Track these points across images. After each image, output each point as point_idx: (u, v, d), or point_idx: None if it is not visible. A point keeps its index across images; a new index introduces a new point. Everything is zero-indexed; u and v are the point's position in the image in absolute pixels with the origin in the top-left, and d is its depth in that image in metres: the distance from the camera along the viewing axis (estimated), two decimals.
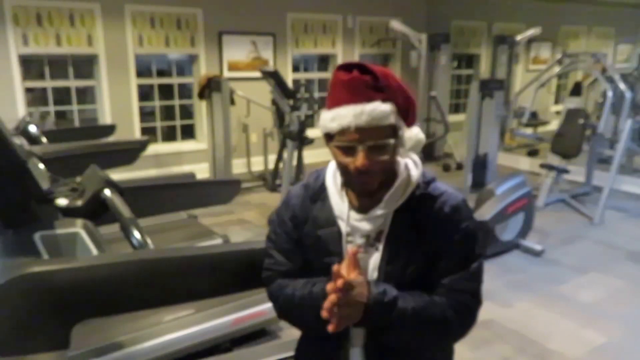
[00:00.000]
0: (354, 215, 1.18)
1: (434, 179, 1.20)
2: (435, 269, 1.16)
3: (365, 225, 1.16)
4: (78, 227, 2.22)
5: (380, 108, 1.03)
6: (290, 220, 1.26)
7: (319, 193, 1.24)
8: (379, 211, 1.15)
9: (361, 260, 1.16)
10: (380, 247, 1.16)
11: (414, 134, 1.11)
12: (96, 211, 2.34)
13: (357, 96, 1.04)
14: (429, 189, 1.18)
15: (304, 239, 1.24)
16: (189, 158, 6.63)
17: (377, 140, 1.05)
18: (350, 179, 1.12)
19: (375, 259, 1.17)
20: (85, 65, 5.99)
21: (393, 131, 1.07)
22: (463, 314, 1.17)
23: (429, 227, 1.15)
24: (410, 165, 1.18)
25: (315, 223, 1.22)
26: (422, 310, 1.13)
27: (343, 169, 1.11)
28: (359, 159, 1.05)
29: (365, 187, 1.12)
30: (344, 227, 1.19)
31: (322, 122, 1.10)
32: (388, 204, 1.15)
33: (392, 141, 1.07)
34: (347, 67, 1.07)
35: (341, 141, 1.07)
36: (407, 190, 1.16)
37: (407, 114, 1.09)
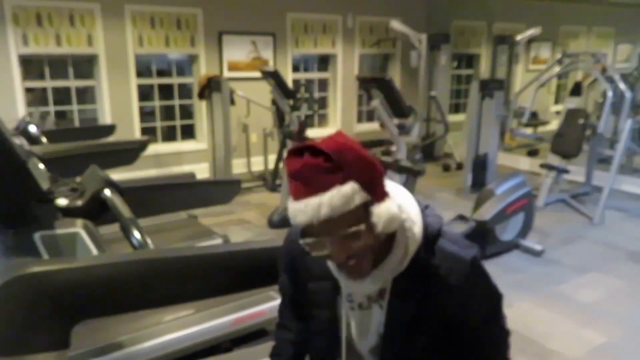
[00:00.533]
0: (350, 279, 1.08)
1: (439, 235, 1.07)
2: (454, 338, 1.10)
3: (364, 288, 1.08)
4: (78, 227, 2.22)
5: (340, 194, 0.91)
6: (289, 267, 1.22)
7: None
8: (374, 278, 1.05)
9: (363, 316, 1.12)
10: (384, 304, 1.09)
11: (383, 211, 0.96)
12: (96, 211, 2.34)
13: (312, 187, 0.92)
14: (434, 250, 1.05)
15: (299, 285, 1.20)
16: (189, 158, 6.63)
17: (345, 230, 0.94)
18: (339, 268, 1.04)
19: (379, 321, 1.11)
20: (85, 65, 5.99)
21: (363, 211, 0.95)
22: None
23: (435, 296, 1.05)
24: (408, 234, 1.04)
25: (308, 273, 1.16)
26: None
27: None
28: (332, 252, 0.96)
29: (358, 275, 1.02)
30: (343, 286, 1.11)
31: (289, 215, 0.99)
32: (383, 272, 1.05)
33: (362, 226, 0.94)
34: (297, 152, 0.95)
35: (309, 239, 0.97)
36: (406, 260, 1.05)
37: (373, 186, 0.96)
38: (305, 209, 0.93)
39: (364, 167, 0.95)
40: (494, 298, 1.15)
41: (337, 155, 0.92)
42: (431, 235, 1.06)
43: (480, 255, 1.09)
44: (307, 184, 0.93)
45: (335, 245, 0.95)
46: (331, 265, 1.10)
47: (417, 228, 1.04)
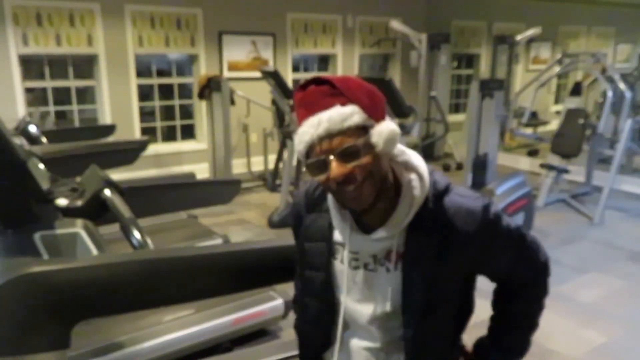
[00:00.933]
0: (357, 235, 1.09)
1: (447, 190, 1.08)
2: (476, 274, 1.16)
3: (370, 247, 1.09)
4: (78, 227, 2.22)
5: (339, 111, 0.96)
6: (294, 225, 1.24)
7: (314, 205, 1.17)
8: (382, 233, 1.06)
9: (367, 279, 1.11)
10: (391, 266, 1.08)
11: (384, 128, 0.99)
12: (96, 211, 2.34)
13: (315, 108, 0.98)
14: (443, 203, 1.06)
15: (299, 246, 1.22)
16: (189, 158, 6.63)
17: (344, 145, 0.96)
18: (341, 198, 1.04)
19: (384, 287, 1.10)
20: (85, 65, 5.99)
21: (363, 131, 0.98)
22: (535, 306, 1.21)
23: (453, 247, 1.05)
24: (414, 182, 1.06)
25: (307, 234, 1.18)
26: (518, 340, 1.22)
27: (327, 189, 1.04)
28: (332, 170, 0.97)
29: (359, 202, 1.01)
30: (348, 242, 1.11)
31: (296, 149, 1.03)
32: (391, 226, 1.06)
33: (361, 142, 0.97)
34: (304, 85, 1.02)
35: (310, 160, 1.00)
36: (412, 210, 1.05)
37: (373, 110, 1.00)
38: (307, 129, 0.98)
39: (365, 93, 1.00)
40: (515, 239, 1.14)
41: (340, 83, 0.99)
42: (439, 190, 1.07)
43: (492, 202, 1.09)
44: (310, 107, 0.99)
45: (335, 163, 0.97)
46: (334, 213, 1.11)
47: (425, 181, 1.06)
